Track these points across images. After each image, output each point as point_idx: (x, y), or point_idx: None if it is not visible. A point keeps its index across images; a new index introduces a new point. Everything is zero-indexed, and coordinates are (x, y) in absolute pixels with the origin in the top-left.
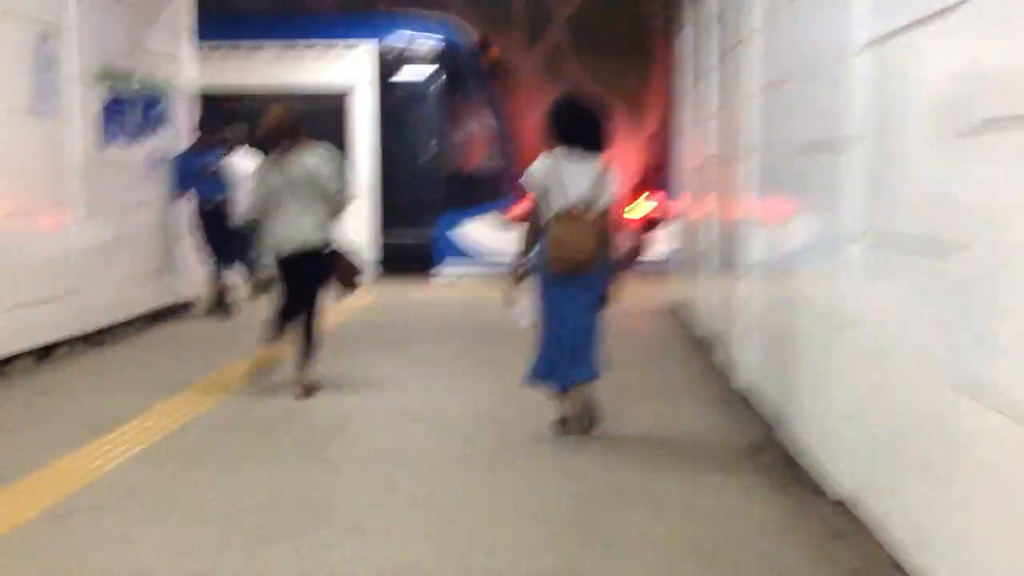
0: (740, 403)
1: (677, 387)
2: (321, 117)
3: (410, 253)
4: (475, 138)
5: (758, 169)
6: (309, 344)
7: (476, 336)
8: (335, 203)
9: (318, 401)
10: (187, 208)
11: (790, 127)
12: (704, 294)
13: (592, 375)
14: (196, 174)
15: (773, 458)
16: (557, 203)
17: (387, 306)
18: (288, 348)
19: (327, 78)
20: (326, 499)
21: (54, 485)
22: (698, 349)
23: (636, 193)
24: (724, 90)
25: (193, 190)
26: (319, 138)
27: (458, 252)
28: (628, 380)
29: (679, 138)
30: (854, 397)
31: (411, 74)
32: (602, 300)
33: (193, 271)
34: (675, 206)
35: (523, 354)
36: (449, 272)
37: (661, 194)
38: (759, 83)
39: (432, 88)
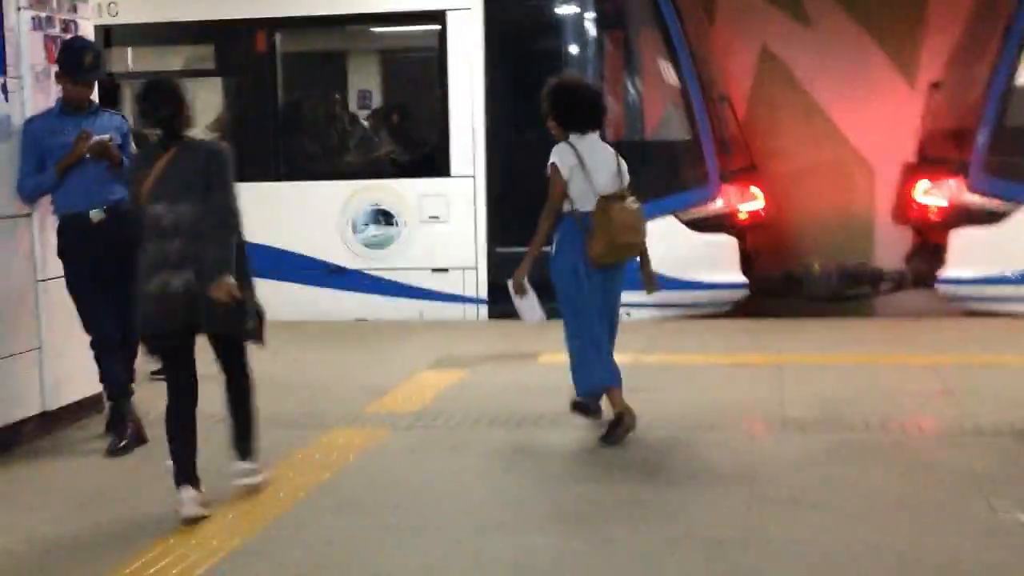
0: None
1: None
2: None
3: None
4: (646, 97)
5: None
6: None
7: None
8: None
9: None
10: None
11: None
12: None
13: None
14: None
15: None
16: (589, 188)
17: (486, 393)
18: None
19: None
20: None
21: None
22: None
23: (910, 178)
24: None
25: (56, 194)
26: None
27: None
28: None
29: None
30: None
31: None
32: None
33: (75, 354)
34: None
35: None
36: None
37: (957, 179)
38: None
39: (573, 20)
